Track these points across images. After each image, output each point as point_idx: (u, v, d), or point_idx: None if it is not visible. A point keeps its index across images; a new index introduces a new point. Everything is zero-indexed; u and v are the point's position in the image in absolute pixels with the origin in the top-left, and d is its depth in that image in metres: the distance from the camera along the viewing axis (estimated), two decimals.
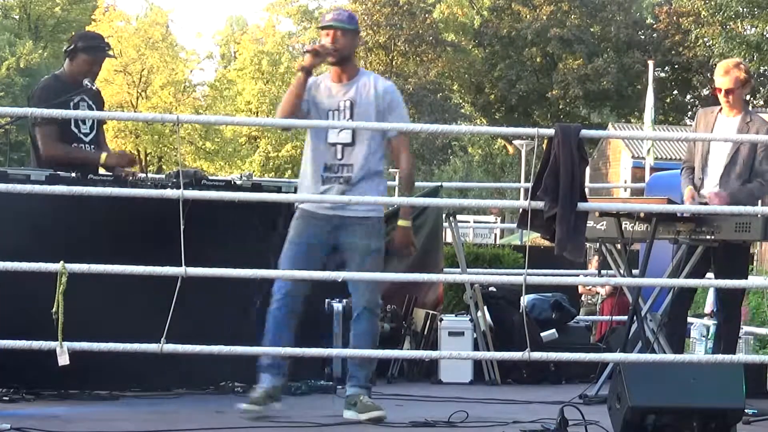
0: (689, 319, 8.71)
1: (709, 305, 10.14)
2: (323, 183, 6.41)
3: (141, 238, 6.83)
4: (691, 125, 7.71)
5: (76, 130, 7.34)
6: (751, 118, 7.33)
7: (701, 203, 7.16)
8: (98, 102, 7.59)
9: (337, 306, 7.99)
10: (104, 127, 7.75)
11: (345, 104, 6.49)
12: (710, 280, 7.34)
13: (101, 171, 7.31)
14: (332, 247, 6.42)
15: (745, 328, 8.47)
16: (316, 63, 6.40)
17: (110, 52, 7.64)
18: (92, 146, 7.44)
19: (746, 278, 7.43)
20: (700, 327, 9.04)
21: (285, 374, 6.39)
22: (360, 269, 6.34)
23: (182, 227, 5.69)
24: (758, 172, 7.22)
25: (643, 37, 54.11)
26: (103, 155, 7.21)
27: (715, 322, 7.82)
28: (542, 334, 8.55)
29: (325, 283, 6.78)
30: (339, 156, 6.45)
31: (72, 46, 7.44)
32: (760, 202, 7.49)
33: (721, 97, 7.29)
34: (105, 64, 7.70)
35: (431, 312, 8.46)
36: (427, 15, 53.53)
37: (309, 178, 6.45)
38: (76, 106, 7.31)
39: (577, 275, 9.75)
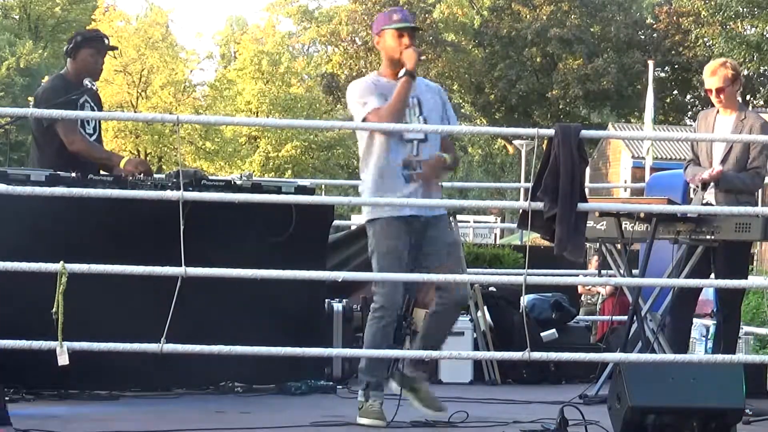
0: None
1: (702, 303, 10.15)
2: (407, 181, 6.29)
3: (141, 238, 6.83)
4: (691, 125, 7.75)
5: (81, 131, 7.36)
6: (746, 115, 7.38)
7: (704, 204, 7.18)
8: (98, 102, 7.61)
9: (337, 306, 8.00)
10: (103, 127, 7.77)
11: (413, 101, 6.37)
12: (710, 280, 7.34)
13: (101, 171, 7.33)
14: (411, 248, 6.32)
15: (745, 328, 8.47)
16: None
17: (108, 43, 7.64)
18: None
19: (746, 278, 7.43)
20: (700, 327, 9.03)
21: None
22: (448, 262, 6.28)
23: (182, 227, 5.69)
24: (750, 167, 7.25)
25: (643, 37, 54.11)
26: (123, 160, 7.22)
27: (715, 322, 7.81)
28: (542, 334, 8.55)
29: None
30: (415, 152, 6.33)
31: (72, 44, 7.45)
32: (760, 197, 7.51)
33: (713, 97, 7.34)
34: (105, 64, 7.70)
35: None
36: (427, 15, 53.50)
37: (389, 177, 6.29)
38: (82, 107, 7.33)
39: (577, 275, 9.76)
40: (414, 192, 6.25)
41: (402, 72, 6.24)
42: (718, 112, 7.40)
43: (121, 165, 7.17)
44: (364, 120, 6.30)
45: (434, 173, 6.35)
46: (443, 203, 6.48)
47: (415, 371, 6.32)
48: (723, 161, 7.27)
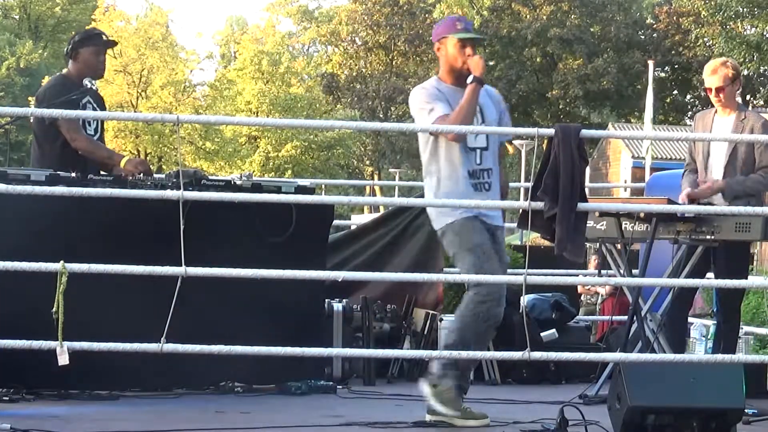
0: (690, 319, 8.71)
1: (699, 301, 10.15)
2: (476, 190, 6.32)
3: (141, 238, 6.83)
4: (691, 125, 7.74)
5: (83, 130, 7.36)
6: (746, 115, 7.36)
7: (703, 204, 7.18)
8: (100, 102, 7.62)
9: (337, 306, 8.00)
10: (104, 127, 7.77)
11: (477, 108, 6.38)
12: (710, 280, 7.34)
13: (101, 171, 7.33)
14: None
15: (745, 328, 8.47)
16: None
17: (109, 40, 7.64)
18: None
19: (746, 278, 7.43)
20: (700, 327, 9.04)
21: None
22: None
23: (182, 227, 5.69)
24: (759, 168, 7.24)
25: (643, 37, 54.14)
26: (123, 160, 7.22)
27: (715, 322, 7.82)
28: (542, 334, 8.55)
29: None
30: (478, 161, 6.36)
31: (71, 45, 7.46)
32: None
33: (712, 97, 7.32)
34: (105, 63, 7.70)
35: (431, 312, 8.46)
36: (427, 15, 53.51)
37: (458, 185, 6.32)
38: (84, 108, 7.33)
39: (577, 275, 9.75)
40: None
41: (470, 78, 6.25)
42: (716, 112, 7.38)
43: (122, 164, 7.17)
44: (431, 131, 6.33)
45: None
46: (445, 203, 6.47)
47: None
48: (728, 164, 7.25)
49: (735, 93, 7.43)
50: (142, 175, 6.99)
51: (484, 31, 53.52)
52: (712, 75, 7.29)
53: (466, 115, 6.25)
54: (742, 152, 7.24)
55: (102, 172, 7.24)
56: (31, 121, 7.47)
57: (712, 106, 7.45)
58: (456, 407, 6.19)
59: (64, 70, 7.62)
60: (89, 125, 7.41)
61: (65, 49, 7.55)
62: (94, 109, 7.41)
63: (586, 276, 10.10)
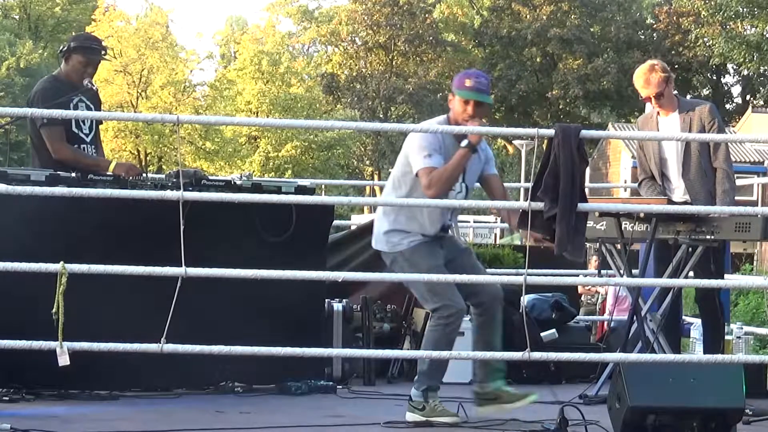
0: (689, 319, 8.71)
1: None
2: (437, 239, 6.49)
3: (141, 238, 6.83)
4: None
5: (77, 131, 7.35)
6: (686, 109, 7.40)
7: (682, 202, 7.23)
8: (96, 102, 7.60)
9: (337, 306, 8.00)
10: (103, 127, 7.75)
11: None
12: (710, 280, 7.34)
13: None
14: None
15: (745, 328, 8.45)
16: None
17: (105, 55, 7.63)
18: (92, 146, 7.45)
19: (722, 275, 7.45)
20: (700, 327, 9.03)
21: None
22: (471, 262, 6.51)
23: (182, 227, 5.69)
24: (714, 159, 7.28)
25: (643, 37, 54.13)
26: (112, 165, 7.21)
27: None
28: (542, 334, 8.55)
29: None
30: (450, 218, 6.58)
31: (66, 47, 7.46)
32: (760, 198, 7.54)
33: (652, 104, 7.38)
34: (105, 64, 7.71)
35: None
36: (427, 15, 53.52)
37: (425, 230, 6.46)
38: (76, 107, 7.32)
39: (577, 275, 9.75)
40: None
41: (464, 143, 6.31)
42: (658, 113, 7.44)
43: (110, 170, 7.15)
44: (416, 173, 6.35)
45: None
46: (444, 203, 6.47)
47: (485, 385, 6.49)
48: (684, 162, 7.29)
49: (671, 91, 7.49)
50: (131, 178, 6.98)
51: (484, 31, 53.59)
52: (647, 86, 7.37)
53: (448, 179, 6.31)
54: (694, 147, 7.29)
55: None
56: (28, 124, 7.46)
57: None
58: (452, 413, 6.31)
59: (56, 72, 7.62)
60: (83, 124, 7.39)
61: (61, 48, 7.55)
62: (88, 108, 7.40)
63: (586, 276, 10.10)
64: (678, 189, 7.39)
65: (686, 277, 7.08)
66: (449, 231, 6.55)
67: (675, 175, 7.38)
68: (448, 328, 6.36)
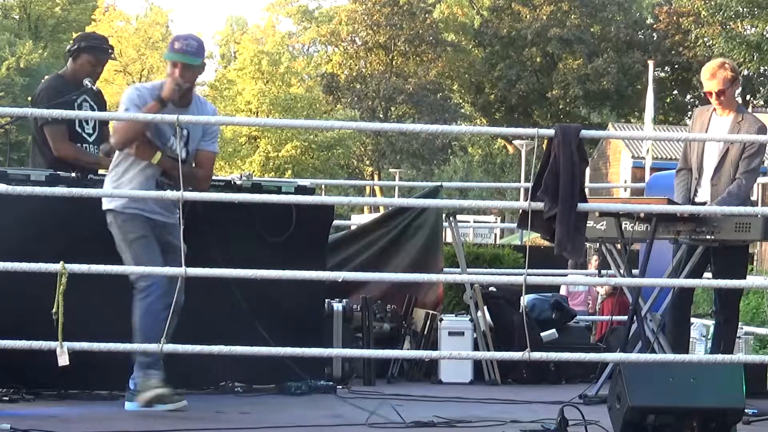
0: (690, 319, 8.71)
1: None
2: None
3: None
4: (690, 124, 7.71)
5: (80, 130, 7.36)
6: (743, 117, 7.32)
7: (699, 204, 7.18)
8: (100, 102, 7.60)
9: (337, 306, 8.00)
10: (108, 126, 7.74)
11: (183, 132, 6.41)
12: (710, 280, 7.34)
13: (101, 171, 7.32)
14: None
15: (745, 328, 8.46)
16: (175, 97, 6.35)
17: (113, 55, 7.66)
18: (95, 147, 7.46)
19: (745, 278, 7.42)
20: (700, 327, 9.03)
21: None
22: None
23: (182, 227, 5.70)
24: (741, 172, 7.22)
25: (643, 37, 54.14)
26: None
27: (714, 322, 7.81)
28: (542, 334, 8.55)
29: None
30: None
31: (75, 46, 7.46)
32: (760, 198, 7.51)
33: (713, 100, 7.28)
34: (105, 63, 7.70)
35: (431, 312, 8.46)
36: (427, 15, 53.53)
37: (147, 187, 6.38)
38: (80, 107, 7.33)
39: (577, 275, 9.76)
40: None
41: (155, 96, 6.36)
42: (714, 110, 7.36)
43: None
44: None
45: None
46: (444, 203, 6.47)
47: None
48: (718, 165, 7.24)
49: (734, 94, 7.41)
50: None
51: (484, 31, 53.60)
52: (711, 79, 7.23)
53: (128, 128, 6.33)
54: (733, 155, 7.22)
55: (102, 172, 7.23)
56: (30, 122, 7.46)
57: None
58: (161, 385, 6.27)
59: (62, 70, 7.62)
60: (86, 124, 7.40)
61: (69, 47, 7.56)
62: (91, 108, 7.40)
63: (586, 276, 10.11)
64: (705, 191, 7.31)
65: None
66: (169, 218, 6.39)
67: (708, 175, 7.31)
68: (146, 300, 6.21)
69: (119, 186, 6.39)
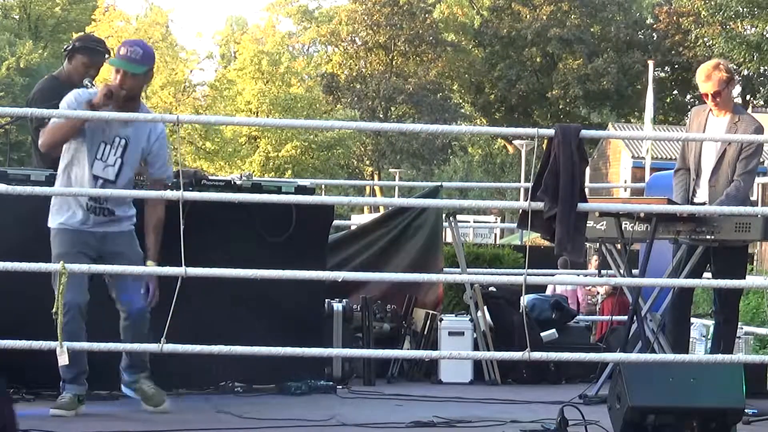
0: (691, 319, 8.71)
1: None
2: (94, 214, 6.24)
3: (141, 238, 6.81)
4: None
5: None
6: (740, 117, 7.31)
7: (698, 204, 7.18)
8: None
9: (337, 306, 8.00)
10: None
11: (118, 141, 6.28)
12: (710, 280, 7.34)
13: None
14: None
15: (745, 328, 8.46)
16: (107, 104, 6.19)
17: (108, 57, 7.64)
18: None
19: (744, 278, 7.41)
20: (700, 327, 9.03)
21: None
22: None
23: (182, 227, 5.69)
24: (738, 173, 7.21)
25: (643, 37, 54.14)
26: None
27: (714, 322, 7.81)
28: (542, 334, 8.55)
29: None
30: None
31: (70, 47, 7.46)
32: (760, 198, 7.49)
33: (708, 101, 7.27)
34: (105, 64, 7.69)
35: (431, 312, 8.46)
36: (427, 15, 53.52)
37: (77, 207, 6.23)
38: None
39: (577, 275, 9.76)
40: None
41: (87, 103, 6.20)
42: (710, 111, 7.35)
43: None
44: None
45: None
46: (444, 203, 6.47)
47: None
48: (716, 166, 7.24)
49: (731, 94, 7.40)
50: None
51: (484, 31, 53.60)
52: (707, 81, 7.23)
53: (55, 129, 6.19)
54: (730, 156, 7.21)
55: None
56: (28, 123, 7.46)
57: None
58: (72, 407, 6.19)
59: (56, 71, 7.62)
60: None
61: (65, 47, 7.55)
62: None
63: (586, 276, 10.10)
64: (703, 191, 7.31)
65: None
66: (109, 225, 6.26)
67: (706, 175, 7.31)
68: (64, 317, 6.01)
69: (56, 201, 6.27)
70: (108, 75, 6.48)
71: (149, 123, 6.41)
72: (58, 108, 6.82)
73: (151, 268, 6.05)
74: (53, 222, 6.26)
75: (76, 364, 6.14)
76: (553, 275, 9.89)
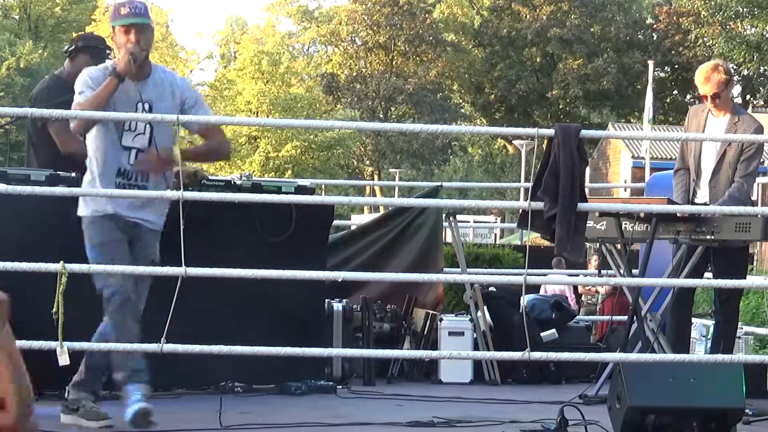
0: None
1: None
2: (122, 188, 6.02)
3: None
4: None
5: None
6: (739, 117, 7.31)
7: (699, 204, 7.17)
8: None
9: (337, 306, 8.00)
10: None
11: (144, 106, 6.03)
12: (710, 280, 7.34)
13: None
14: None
15: (745, 328, 8.47)
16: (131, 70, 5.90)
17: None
18: None
19: (745, 278, 7.41)
20: (700, 327, 9.04)
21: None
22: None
23: (182, 227, 5.69)
24: (740, 174, 7.20)
25: (643, 37, 54.14)
26: None
27: (714, 322, 7.82)
28: (542, 334, 8.55)
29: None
30: (131, 161, 6.01)
31: (73, 47, 7.47)
32: (760, 197, 7.47)
33: (708, 103, 7.27)
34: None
35: (431, 312, 8.47)
36: (427, 15, 53.53)
37: (107, 184, 5.98)
38: None
39: (577, 275, 9.76)
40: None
41: (111, 72, 5.95)
42: (710, 111, 7.35)
43: None
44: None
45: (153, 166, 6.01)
46: (444, 203, 6.46)
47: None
48: (716, 166, 7.23)
49: (730, 95, 7.40)
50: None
51: (484, 31, 53.61)
52: (706, 83, 7.23)
53: (89, 108, 5.92)
54: (730, 156, 7.20)
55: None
56: (27, 123, 7.46)
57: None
58: (102, 416, 5.96)
59: (58, 71, 7.62)
60: None
61: (66, 47, 7.56)
62: None
63: (586, 276, 10.10)
64: (703, 191, 7.31)
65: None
66: (141, 210, 6.01)
67: (706, 175, 7.30)
68: (109, 305, 5.89)
69: (86, 186, 6.05)
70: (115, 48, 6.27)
71: (168, 77, 6.10)
72: (62, 106, 6.84)
73: (151, 268, 6.04)
74: (86, 210, 6.02)
75: (133, 359, 5.89)
76: (553, 275, 9.91)
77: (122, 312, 5.88)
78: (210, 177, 7.43)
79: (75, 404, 6.01)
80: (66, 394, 6.09)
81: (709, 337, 8.73)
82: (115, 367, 5.94)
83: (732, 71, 7.51)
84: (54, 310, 5.71)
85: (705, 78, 7.23)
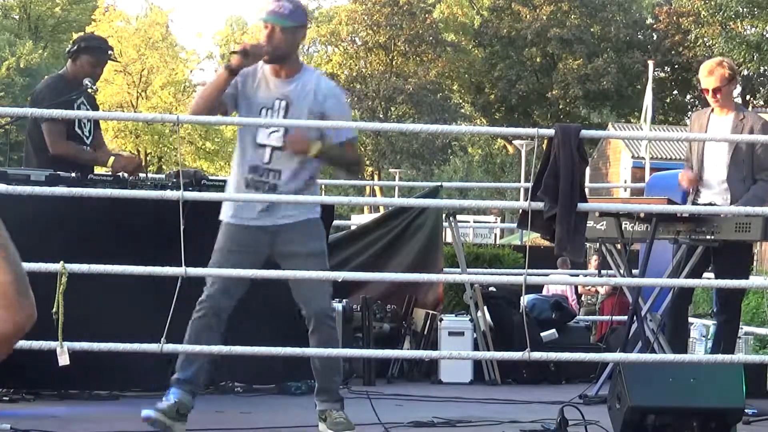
0: (690, 319, 8.71)
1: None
2: (249, 187, 5.95)
3: (141, 238, 6.82)
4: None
5: (79, 131, 7.36)
6: (744, 115, 7.32)
7: (708, 204, 7.17)
8: (94, 105, 7.62)
9: (337, 306, 7.99)
10: (104, 127, 7.75)
11: (280, 103, 6.00)
12: (710, 280, 7.34)
13: (101, 170, 7.32)
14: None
15: (745, 328, 8.46)
16: (246, 64, 5.84)
17: (112, 56, 7.66)
18: (91, 148, 7.46)
19: (747, 278, 7.41)
20: (700, 327, 9.04)
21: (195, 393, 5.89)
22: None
23: (182, 227, 5.69)
24: (759, 172, 7.20)
25: (643, 37, 54.14)
26: (111, 159, 7.21)
27: (715, 322, 7.81)
28: (542, 334, 8.55)
29: None
30: (267, 159, 5.97)
31: (75, 47, 7.47)
32: None
33: (709, 97, 7.28)
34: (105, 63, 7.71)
35: (431, 312, 8.46)
36: (427, 15, 53.52)
37: (238, 181, 5.95)
38: (78, 108, 7.33)
39: (577, 275, 9.75)
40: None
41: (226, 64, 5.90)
42: (712, 111, 7.35)
43: (109, 164, 7.17)
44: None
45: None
46: (444, 203, 6.45)
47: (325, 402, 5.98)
48: (731, 164, 7.20)
49: (732, 92, 7.40)
50: (131, 174, 6.97)
51: (484, 31, 53.62)
52: (709, 76, 7.24)
53: (200, 96, 5.94)
54: (743, 153, 7.21)
55: (101, 172, 7.24)
56: (28, 122, 7.46)
57: (708, 105, 7.42)
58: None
59: (62, 70, 7.62)
60: (84, 126, 7.40)
61: (68, 48, 7.56)
62: (87, 110, 7.41)
63: (586, 276, 10.10)
64: (708, 192, 7.30)
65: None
66: (269, 187, 5.95)
67: (716, 175, 7.27)
68: (195, 313, 5.83)
69: (229, 188, 5.95)
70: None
71: (314, 77, 5.96)
72: (63, 106, 6.86)
73: (151, 268, 6.04)
74: (224, 214, 5.97)
75: (191, 364, 5.81)
76: (553, 275, 9.91)
77: (201, 320, 5.78)
78: (210, 177, 7.43)
79: (322, 414, 5.93)
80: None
81: (709, 337, 8.73)
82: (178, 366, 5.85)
83: (736, 69, 7.52)
84: (54, 310, 5.71)
85: (709, 71, 7.25)
